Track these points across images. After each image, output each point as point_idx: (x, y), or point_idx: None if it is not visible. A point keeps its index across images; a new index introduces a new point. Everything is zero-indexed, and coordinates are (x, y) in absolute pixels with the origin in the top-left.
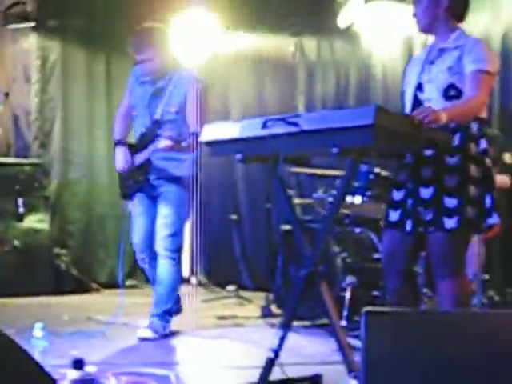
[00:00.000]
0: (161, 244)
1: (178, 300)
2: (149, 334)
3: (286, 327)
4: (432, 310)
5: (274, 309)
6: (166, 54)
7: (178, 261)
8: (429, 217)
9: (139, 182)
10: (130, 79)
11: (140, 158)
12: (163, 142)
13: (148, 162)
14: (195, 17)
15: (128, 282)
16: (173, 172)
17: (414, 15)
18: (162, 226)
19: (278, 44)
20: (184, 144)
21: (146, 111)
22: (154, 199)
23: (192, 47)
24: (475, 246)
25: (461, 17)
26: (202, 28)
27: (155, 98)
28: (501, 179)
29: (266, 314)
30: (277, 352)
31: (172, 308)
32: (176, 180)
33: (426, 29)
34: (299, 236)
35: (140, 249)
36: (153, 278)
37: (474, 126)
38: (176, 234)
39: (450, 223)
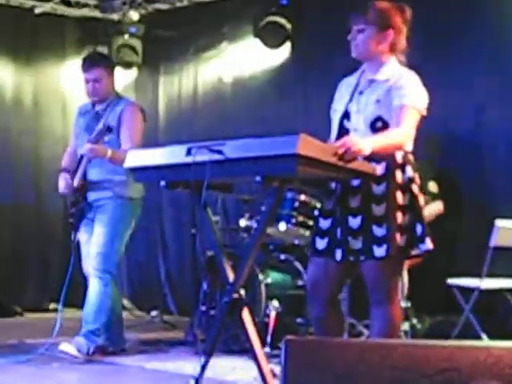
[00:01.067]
0: (91, 263)
1: (117, 337)
2: (71, 349)
3: (208, 354)
4: (352, 339)
5: (198, 334)
6: (111, 79)
7: (107, 282)
8: (358, 246)
9: (80, 203)
10: (75, 117)
11: (77, 179)
12: (85, 146)
13: (84, 179)
14: None
15: (52, 306)
16: (108, 193)
17: (353, 39)
18: (94, 245)
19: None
20: (108, 151)
21: (85, 134)
22: None
23: None
24: None
25: (395, 49)
26: None
27: (94, 121)
28: (435, 206)
29: (190, 339)
30: (197, 380)
31: (98, 330)
32: (111, 199)
33: (362, 57)
34: (222, 263)
35: (89, 273)
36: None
37: (399, 155)
38: (107, 254)
39: (379, 251)
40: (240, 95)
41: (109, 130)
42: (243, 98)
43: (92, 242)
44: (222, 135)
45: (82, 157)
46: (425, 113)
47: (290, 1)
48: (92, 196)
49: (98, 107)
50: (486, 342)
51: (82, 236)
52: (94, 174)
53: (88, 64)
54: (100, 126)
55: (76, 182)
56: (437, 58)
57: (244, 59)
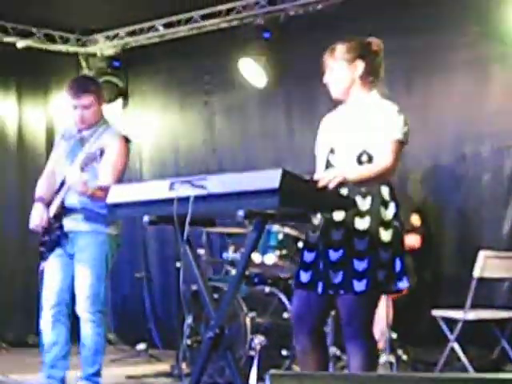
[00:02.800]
0: (82, 306)
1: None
2: None
3: None
4: (337, 373)
5: (183, 367)
6: (100, 107)
7: (100, 322)
8: (338, 279)
9: (55, 232)
10: (56, 140)
11: (54, 206)
12: (74, 176)
13: (62, 206)
14: None
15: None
16: (87, 226)
17: (328, 82)
18: (81, 287)
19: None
20: (92, 184)
21: (68, 160)
22: (71, 256)
23: None
24: (382, 305)
25: (375, 80)
26: None
27: (78, 147)
28: (412, 239)
29: (176, 373)
30: None
31: (99, 371)
32: (91, 234)
33: (341, 94)
34: (206, 297)
35: (50, 305)
36: (52, 339)
37: (385, 190)
38: (96, 295)
39: (359, 286)
40: None
41: (100, 154)
42: None
43: (78, 284)
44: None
45: (62, 183)
46: (407, 141)
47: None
48: (69, 225)
49: (85, 132)
50: (471, 373)
51: (50, 265)
52: (72, 200)
53: (77, 90)
54: (86, 151)
55: (53, 210)
56: (419, 92)
57: None
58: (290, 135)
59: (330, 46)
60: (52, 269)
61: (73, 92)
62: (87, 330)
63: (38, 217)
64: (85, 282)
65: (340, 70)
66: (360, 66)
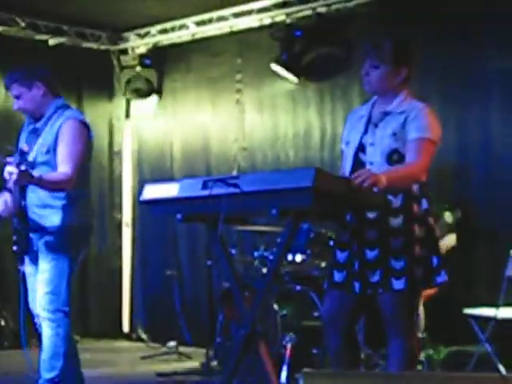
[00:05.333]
0: (40, 303)
1: (75, 376)
2: None
3: None
4: (369, 372)
5: (214, 366)
6: (36, 93)
7: (60, 322)
8: (376, 278)
9: (23, 231)
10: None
11: (12, 204)
12: (6, 170)
13: (20, 205)
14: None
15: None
16: (48, 221)
17: (366, 74)
18: (40, 283)
19: None
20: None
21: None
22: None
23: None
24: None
25: (408, 82)
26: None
27: (33, 139)
28: (448, 239)
29: (206, 371)
30: None
31: (58, 377)
32: (53, 230)
33: (377, 92)
34: (238, 296)
35: (32, 311)
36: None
37: (415, 187)
38: (57, 292)
39: (398, 284)
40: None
41: (21, 153)
42: None
43: (38, 279)
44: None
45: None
46: (439, 143)
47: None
48: (32, 228)
49: (38, 123)
50: (503, 373)
51: (27, 267)
52: (31, 199)
53: (7, 82)
54: (40, 142)
55: (13, 209)
56: (452, 91)
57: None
58: (322, 133)
59: (378, 41)
60: (28, 272)
61: (5, 86)
62: (45, 330)
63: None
64: (43, 278)
65: (384, 71)
66: (404, 72)
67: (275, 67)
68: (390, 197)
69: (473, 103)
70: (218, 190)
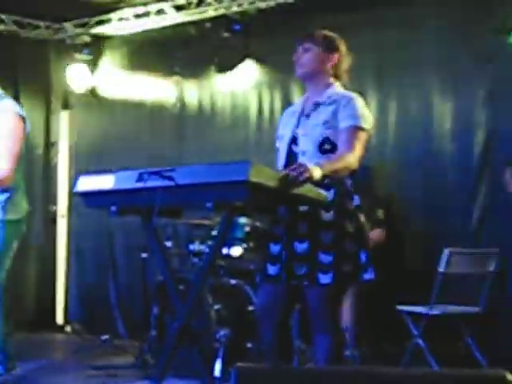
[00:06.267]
0: None
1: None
2: None
3: (158, 379)
4: (302, 366)
5: (148, 359)
6: None
7: None
8: (303, 271)
9: None
10: None
11: None
12: None
13: None
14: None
15: None
16: None
17: (298, 58)
18: None
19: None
20: None
21: None
22: None
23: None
24: (348, 300)
25: (340, 74)
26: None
27: None
28: (376, 233)
29: (140, 364)
30: None
31: None
32: None
33: (306, 77)
34: (172, 289)
35: None
36: None
37: (348, 182)
38: None
39: (325, 279)
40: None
41: None
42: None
43: None
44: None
45: None
46: (371, 132)
47: (242, 27)
48: None
49: None
50: (434, 369)
51: None
52: None
53: None
54: None
55: None
56: (389, 86)
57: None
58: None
59: (309, 32)
60: None
61: None
62: None
63: None
64: None
65: (315, 53)
66: (335, 58)
67: (216, 61)
68: (322, 191)
69: (411, 98)
70: (153, 183)
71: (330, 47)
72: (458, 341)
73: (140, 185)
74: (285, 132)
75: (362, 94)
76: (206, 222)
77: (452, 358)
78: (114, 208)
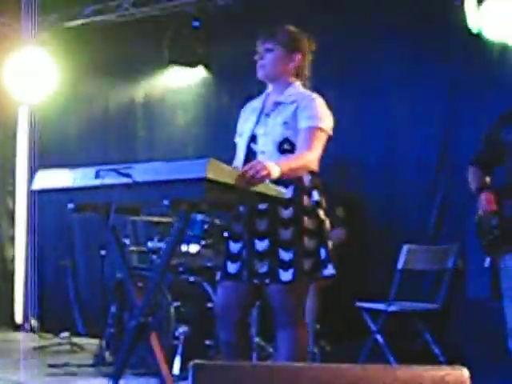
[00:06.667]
0: None
1: None
2: None
3: (116, 377)
4: (261, 363)
5: (107, 357)
6: None
7: None
8: (264, 269)
9: None
10: None
11: None
12: None
13: None
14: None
15: None
16: None
17: (260, 59)
18: None
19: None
20: None
21: None
22: None
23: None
24: (308, 297)
25: (301, 73)
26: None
27: None
28: (336, 233)
29: (99, 362)
30: None
31: None
32: None
33: (269, 77)
34: (130, 286)
35: None
36: None
37: (306, 179)
38: None
39: (285, 276)
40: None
41: None
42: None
43: None
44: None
45: None
46: (331, 133)
47: (202, 24)
48: None
49: None
50: (392, 365)
51: None
52: None
53: None
54: None
55: None
56: (347, 84)
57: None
58: (212, 125)
59: (271, 29)
60: None
61: None
62: None
63: None
64: None
65: (277, 54)
66: (297, 58)
67: (173, 57)
68: (280, 188)
69: (369, 95)
70: (110, 180)
71: (292, 47)
72: (416, 337)
73: (97, 182)
74: (244, 129)
75: (322, 92)
76: (165, 219)
77: (410, 354)
78: (71, 205)
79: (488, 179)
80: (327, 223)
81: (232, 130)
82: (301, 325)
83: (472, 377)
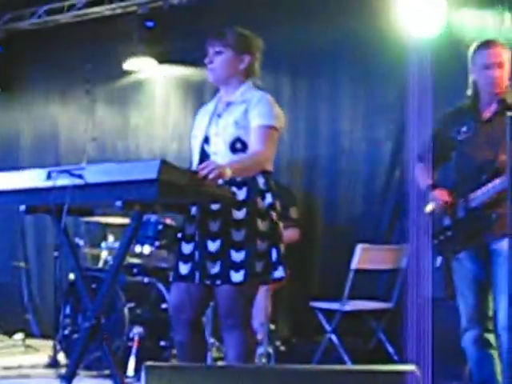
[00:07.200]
0: None
1: None
2: None
3: (69, 378)
4: (213, 364)
5: (61, 358)
6: None
7: None
8: (215, 270)
9: None
10: None
11: None
12: None
13: None
14: None
15: None
16: None
17: (210, 62)
18: None
19: None
20: None
21: None
22: None
23: None
24: (261, 297)
25: (251, 73)
26: None
27: None
28: (290, 233)
29: (53, 363)
30: None
31: None
32: None
33: (220, 80)
34: (82, 287)
35: None
36: None
37: (261, 180)
38: None
39: (237, 277)
40: None
41: None
42: None
43: None
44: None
45: None
46: (280, 127)
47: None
48: None
49: None
50: (347, 365)
51: None
52: None
53: None
54: None
55: None
56: (300, 85)
57: None
58: (167, 124)
59: (220, 30)
60: None
61: None
62: None
63: None
64: None
65: (227, 57)
66: (247, 59)
67: (127, 58)
68: (234, 189)
69: (322, 97)
70: (63, 181)
71: (242, 48)
72: (371, 336)
73: (49, 183)
74: (198, 132)
75: (275, 92)
76: (119, 220)
77: (365, 354)
78: (23, 207)
79: (435, 176)
80: (280, 226)
81: (185, 131)
82: (248, 327)
83: (425, 375)
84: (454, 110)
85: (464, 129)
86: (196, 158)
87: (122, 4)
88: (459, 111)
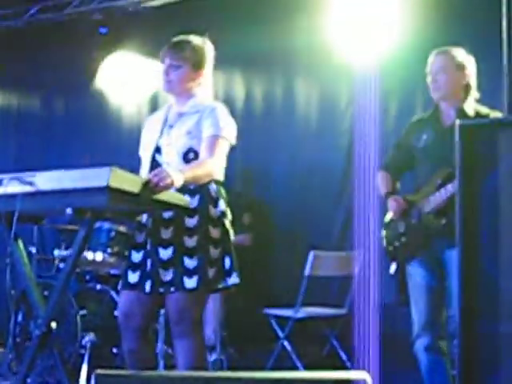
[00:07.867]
0: None
1: None
2: None
3: None
4: (163, 372)
5: (12, 366)
6: None
7: None
8: (168, 277)
9: None
10: None
11: None
12: None
13: None
14: None
15: None
16: None
17: (166, 74)
18: None
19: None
20: None
21: None
22: None
23: None
24: (215, 304)
25: (205, 83)
26: None
27: None
28: (241, 238)
29: (4, 372)
30: None
31: None
32: None
33: (174, 92)
34: (32, 295)
35: None
36: None
37: (212, 188)
38: None
39: (190, 283)
40: None
41: None
42: None
43: None
44: None
45: None
46: (234, 142)
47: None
48: None
49: None
50: (300, 372)
51: None
52: None
53: None
54: None
55: None
56: (255, 89)
57: None
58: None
59: (177, 41)
60: None
61: None
62: None
63: None
64: None
65: (185, 71)
66: (203, 73)
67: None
68: (186, 197)
69: (277, 103)
70: (13, 188)
71: (199, 63)
72: (324, 342)
73: (0, 190)
74: (148, 141)
75: (228, 100)
76: (72, 227)
77: (318, 360)
78: None
79: (397, 185)
80: (231, 233)
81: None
82: (198, 333)
83: (377, 381)
84: (418, 119)
85: (424, 136)
86: (146, 167)
87: (76, 10)
88: (421, 120)
